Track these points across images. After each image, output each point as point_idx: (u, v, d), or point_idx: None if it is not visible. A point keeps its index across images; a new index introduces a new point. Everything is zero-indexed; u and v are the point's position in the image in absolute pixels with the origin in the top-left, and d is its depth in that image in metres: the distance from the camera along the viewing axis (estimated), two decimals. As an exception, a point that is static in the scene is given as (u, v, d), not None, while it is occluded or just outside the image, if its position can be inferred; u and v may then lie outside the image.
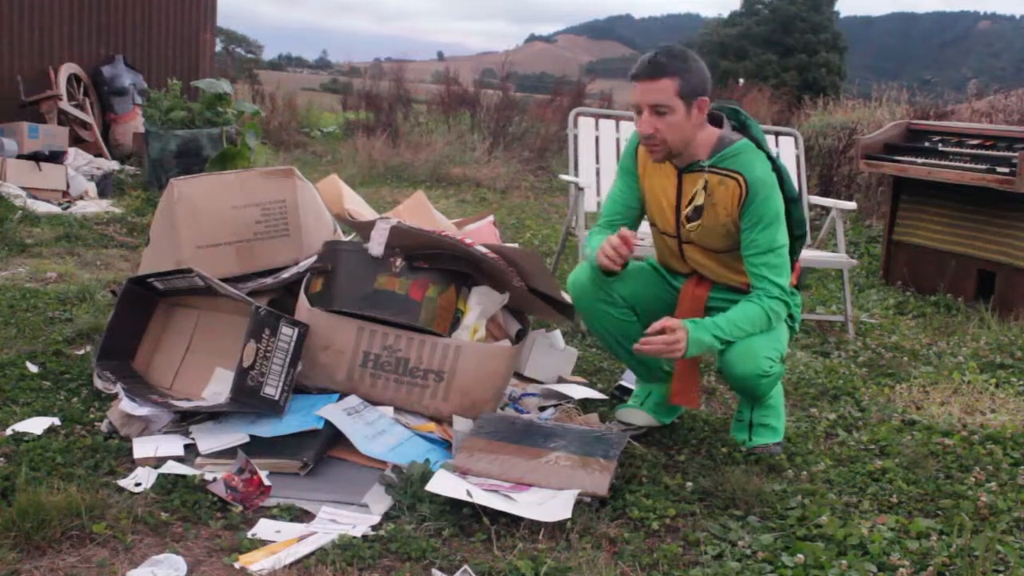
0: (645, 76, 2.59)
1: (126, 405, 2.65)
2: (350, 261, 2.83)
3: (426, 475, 2.35)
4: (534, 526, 2.22)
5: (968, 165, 4.91)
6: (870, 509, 2.47)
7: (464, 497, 2.23)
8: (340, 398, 2.72)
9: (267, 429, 2.58)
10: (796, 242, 2.80)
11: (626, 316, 2.85)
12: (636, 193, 2.85)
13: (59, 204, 6.69)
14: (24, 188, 6.63)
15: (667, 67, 2.58)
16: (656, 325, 2.57)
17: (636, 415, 2.98)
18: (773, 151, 2.84)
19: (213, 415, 2.70)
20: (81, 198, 7.03)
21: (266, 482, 2.34)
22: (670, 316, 2.66)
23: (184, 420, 2.71)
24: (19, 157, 7.03)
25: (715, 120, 2.73)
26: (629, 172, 2.86)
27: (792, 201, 2.74)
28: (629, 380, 3.33)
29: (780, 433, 2.89)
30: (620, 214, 2.88)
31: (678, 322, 2.58)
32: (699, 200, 2.69)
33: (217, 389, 2.81)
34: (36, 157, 7.04)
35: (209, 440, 2.56)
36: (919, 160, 5.22)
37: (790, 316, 2.82)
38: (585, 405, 3.13)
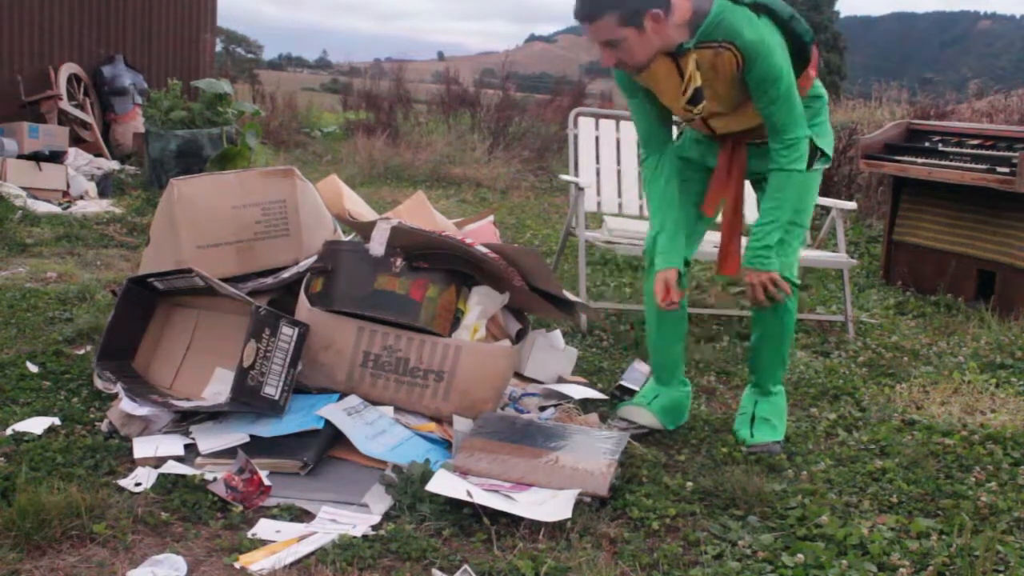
0: (582, 19, 2.56)
1: (126, 405, 2.65)
2: (350, 261, 2.83)
3: (426, 475, 2.35)
4: (534, 526, 2.22)
5: (968, 165, 4.91)
6: (870, 509, 2.47)
7: (464, 497, 2.23)
8: (340, 398, 2.72)
9: (267, 429, 2.58)
10: (806, 48, 2.72)
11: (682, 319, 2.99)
12: (650, 98, 2.82)
13: (59, 204, 6.69)
14: (24, 188, 6.63)
15: (601, 5, 2.52)
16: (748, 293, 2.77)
17: (640, 414, 2.98)
18: None
19: (213, 415, 2.70)
20: (81, 198, 7.03)
21: (266, 482, 2.34)
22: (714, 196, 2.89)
23: (184, 420, 2.71)
24: (19, 157, 7.02)
25: None
26: (629, 87, 2.83)
27: (787, 21, 2.66)
28: (629, 380, 3.33)
29: (780, 432, 2.91)
30: (653, 126, 2.86)
31: (749, 273, 2.73)
32: (696, 82, 2.62)
33: (217, 389, 2.81)
34: (36, 157, 7.04)
35: (209, 440, 2.56)
36: (919, 160, 5.22)
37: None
38: (585, 405, 3.13)
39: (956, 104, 9.65)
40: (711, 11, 2.57)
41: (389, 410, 2.73)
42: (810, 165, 2.79)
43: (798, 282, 2.86)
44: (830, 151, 2.88)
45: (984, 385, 3.62)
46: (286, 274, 3.10)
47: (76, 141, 8.46)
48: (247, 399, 2.58)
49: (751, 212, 3.78)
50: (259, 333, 2.61)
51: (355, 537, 2.13)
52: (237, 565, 2.01)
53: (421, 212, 3.35)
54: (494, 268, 2.87)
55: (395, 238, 2.81)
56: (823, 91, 2.92)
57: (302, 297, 2.84)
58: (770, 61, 2.57)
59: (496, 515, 2.23)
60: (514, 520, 2.23)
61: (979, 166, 4.84)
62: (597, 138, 4.78)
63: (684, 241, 2.85)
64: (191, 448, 2.57)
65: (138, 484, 2.35)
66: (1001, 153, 4.82)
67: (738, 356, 3.90)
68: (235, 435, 2.57)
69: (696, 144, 3.00)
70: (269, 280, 3.09)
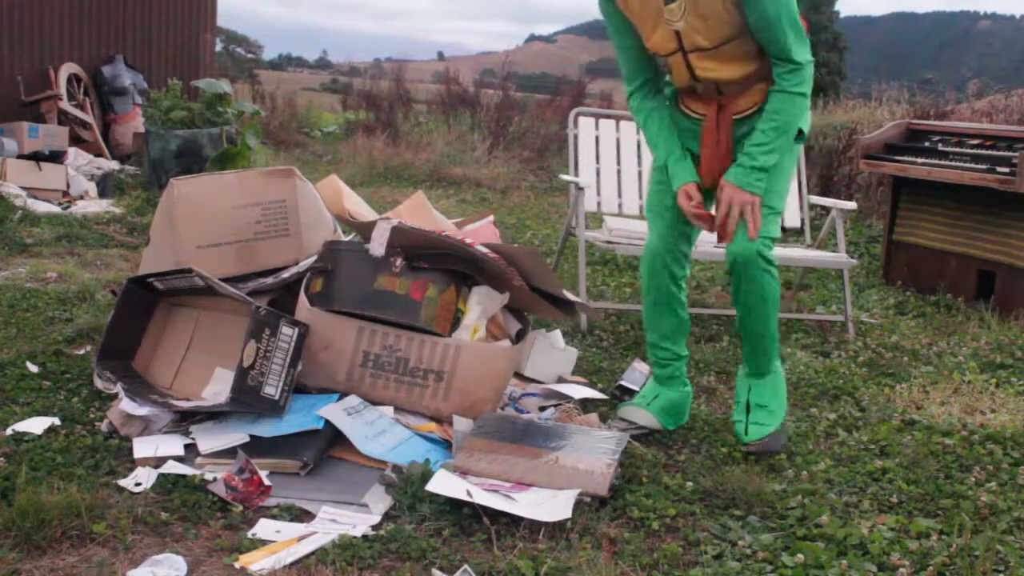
0: None
1: (126, 405, 2.65)
2: (350, 261, 2.83)
3: (426, 475, 2.35)
4: (534, 526, 2.22)
5: (968, 165, 4.91)
6: (870, 509, 2.47)
7: (464, 497, 2.23)
8: (340, 398, 2.72)
9: (267, 429, 2.58)
10: None
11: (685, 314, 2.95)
12: (633, 30, 2.73)
13: (59, 204, 6.69)
14: (24, 188, 6.63)
15: None
16: (714, 218, 2.68)
17: (640, 414, 2.95)
18: None
19: (213, 415, 2.70)
20: (81, 198, 7.03)
21: (266, 482, 2.34)
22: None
23: (184, 420, 2.71)
24: (19, 157, 7.02)
25: None
26: (612, 15, 2.73)
27: None
28: (629, 380, 3.33)
29: (779, 417, 2.83)
30: (640, 63, 2.79)
31: (732, 190, 2.63)
32: None
33: (217, 389, 2.81)
34: (36, 157, 7.04)
35: (209, 440, 2.56)
36: (919, 160, 5.22)
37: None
38: (585, 405, 3.13)
39: (956, 104, 9.65)
40: None
41: (389, 410, 2.73)
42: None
43: (777, 235, 2.77)
44: (806, 126, 2.74)
45: (984, 385, 3.62)
46: (286, 274, 3.10)
47: (76, 141, 8.46)
48: (247, 399, 2.58)
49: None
50: (259, 333, 2.61)
51: (355, 537, 2.13)
52: (237, 565, 2.01)
53: (421, 212, 3.35)
54: (494, 268, 2.87)
55: (395, 238, 2.81)
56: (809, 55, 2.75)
57: (302, 297, 2.84)
58: None
59: (496, 515, 2.23)
60: (514, 520, 2.23)
61: (979, 166, 4.84)
62: (597, 138, 4.78)
63: (692, 165, 2.77)
64: (191, 448, 2.57)
65: (138, 484, 2.35)
66: (1001, 153, 4.82)
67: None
68: (235, 435, 2.57)
69: (680, 132, 2.86)
70: (269, 280, 3.09)
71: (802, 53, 2.60)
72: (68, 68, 8.99)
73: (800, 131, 2.72)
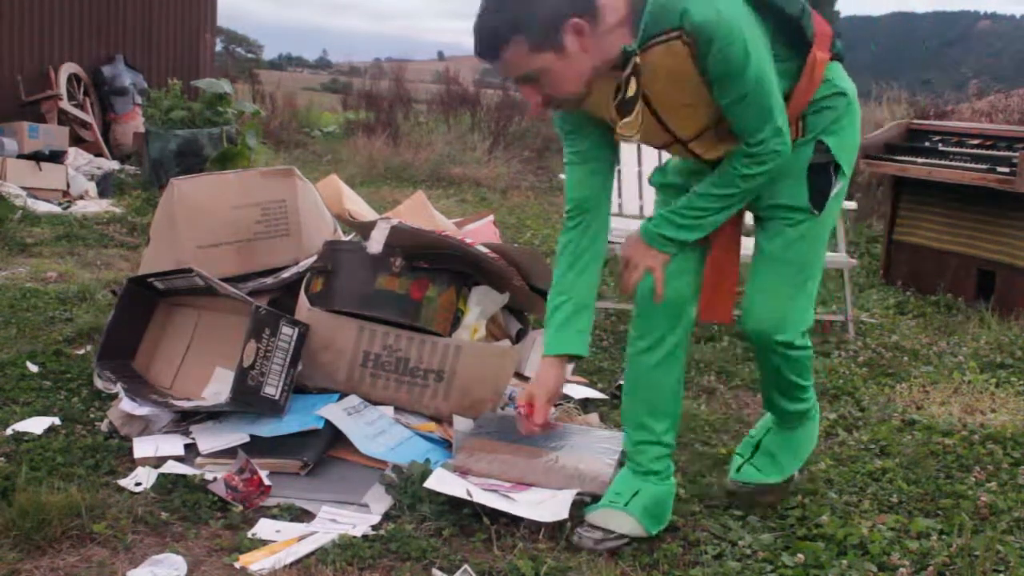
0: (486, 55, 1.97)
1: (126, 405, 2.65)
2: (350, 261, 2.83)
3: (426, 475, 2.35)
4: (534, 526, 2.22)
5: (968, 165, 4.91)
6: (870, 509, 2.47)
7: (464, 496, 2.23)
8: (340, 398, 2.72)
9: (267, 429, 2.58)
10: (798, 24, 2.08)
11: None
12: (596, 146, 2.21)
13: (59, 204, 6.69)
14: (24, 188, 6.63)
15: (500, 34, 1.93)
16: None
17: (618, 519, 2.22)
18: None
19: (213, 415, 2.70)
20: (81, 198, 7.03)
21: (266, 482, 2.34)
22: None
23: (184, 420, 2.71)
24: (19, 157, 7.02)
25: None
26: (573, 127, 2.20)
27: (795, 17, 2.05)
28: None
29: (784, 473, 2.43)
30: (591, 187, 2.24)
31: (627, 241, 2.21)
32: (630, 91, 1.96)
33: (217, 389, 2.81)
34: (36, 157, 7.04)
35: (209, 440, 2.56)
36: (919, 160, 5.22)
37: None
38: (585, 405, 3.13)
39: (956, 104, 9.64)
40: None
41: (389, 410, 2.73)
42: (831, 190, 2.20)
43: (811, 323, 2.30)
44: (848, 167, 2.21)
45: (984, 385, 3.62)
46: (286, 274, 3.10)
47: (76, 141, 8.46)
48: (247, 399, 2.58)
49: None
50: (259, 333, 2.61)
51: (355, 537, 2.13)
52: (237, 565, 2.01)
53: (421, 212, 3.36)
54: (494, 268, 2.87)
55: (395, 238, 2.81)
56: (846, 84, 2.20)
57: (302, 297, 2.84)
58: (731, 42, 1.91)
59: (496, 515, 2.23)
60: (514, 520, 2.23)
61: (979, 166, 4.84)
62: (597, 138, 4.77)
63: (578, 337, 2.24)
64: (191, 448, 2.57)
65: (138, 484, 2.35)
66: (1001, 153, 4.82)
67: (738, 356, 3.90)
68: (235, 435, 2.57)
69: (678, 171, 2.35)
70: (269, 280, 3.09)
71: (769, 124, 2.04)
72: (68, 68, 8.99)
73: (838, 166, 2.20)
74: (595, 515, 2.24)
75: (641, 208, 4.68)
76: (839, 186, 2.22)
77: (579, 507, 2.29)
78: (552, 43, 1.92)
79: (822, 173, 2.18)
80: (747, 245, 2.43)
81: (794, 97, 2.12)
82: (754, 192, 2.15)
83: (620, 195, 4.70)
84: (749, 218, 2.36)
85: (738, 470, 2.44)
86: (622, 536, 2.21)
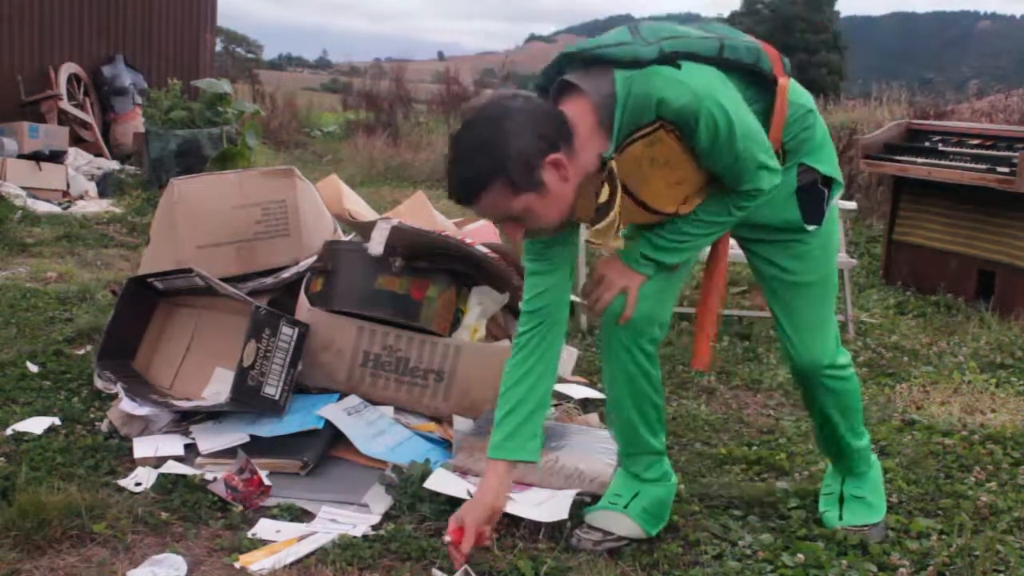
0: (464, 201, 1.90)
1: (126, 405, 2.65)
2: (350, 261, 2.83)
3: (426, 475, 2.35)
4: (534, 526, 2.22)
5: (968, 165, 4.91)
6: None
7: (464, 496, 2.23)
8: (340, 398, 2.72)
9: (267, 429, 2.58)
10: (755, 69, 2.05)
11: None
12: (558, 245, 2.10)
13: (59, 204, 6.70)
14: (24, 188, 6.64)
15: (477, 181, 1.85)
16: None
17: (616, 520, 2.22)
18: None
19: (213, 415, 2.70)
20: (81, 198, 7.04)
21: (266, 482, 2.34)
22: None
23: (184, 420, 2.71)
24: (19, 157, 7.03)
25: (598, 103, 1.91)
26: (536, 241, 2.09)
27: (714, 58, 1.99)
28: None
29: (880, 512, 2.34)
30: (551, 298, 2.12)
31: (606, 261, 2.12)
32: (602, 196, 1.93)
33: (217, 389, 2.81)
34: (36, 157, 7.05)
35: (209, 440, 2.56)
36: (919, 160, 5.22)
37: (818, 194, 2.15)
38: (585, 405, 3.13)
39: (956, 104, 9.65)
40: (616, 94, 1.88)
41: (389, 410, 2.73)
42: (826, 202, 2.19)
43: (848, 361, 2.29)
44: (839, 175, 2.21)
45: (984, 385, 3.62)
46: (286, 274, 3.10)
47: (76, 141, 8.47)
48: (247, 399, 2.58)
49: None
50: (259, 333, 2.61)
51: (355, 537, 2.13)
52: (237, 565, 2.01)
53: (421, 212, 3.36)
54: (494, 268, 2.87)
55: (395, 238, 2.81)
56: (809, 101, 2.17)
57: (302, 297, 2.84)
58: (714, 116, 1.89)
59: (496, 515, 2.23)
60: (514, 520, 2.23)
61: (979, 166, 4.83)
62: (597, 138, 4.77)
63: (540, 424, 2.11)
64: (191, 448, 2.57)
65: (138, 484, 2.35)
66: (1001, 153, 4.81)
67: (738, 356, 3.90)
68: (235, 435, 2.57)
69: None
70: (269, 280, 3.09)
71: (755, 177, 2.00)
72: (68, 68, 8.99)
73: (829, 179, 2.19)
74: (594, 516, 2.24)
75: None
76: (835, 195, 2.22)
77: (579, 507, 2.29)
78: (532, 184, 1.86)
79: (813, 191, 2.17)
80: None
81: (771, 130, 2.08)
82: (740, 220, 2.10)
83: None
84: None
85: (840, 519, 2.32)
86: (621, 538, 2.21)
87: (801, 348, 2.22)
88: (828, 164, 2.19)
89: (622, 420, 2.24)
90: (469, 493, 2.24)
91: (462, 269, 2.85)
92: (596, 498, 2.33)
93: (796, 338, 2.22)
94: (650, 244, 2.09)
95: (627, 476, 2.29)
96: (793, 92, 2.12)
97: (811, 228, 2.17)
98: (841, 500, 2.35)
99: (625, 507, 2.22)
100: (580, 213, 1.97)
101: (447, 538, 2.00)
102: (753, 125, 1.98)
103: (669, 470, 2.31)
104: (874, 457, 2.43)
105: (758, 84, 2.06)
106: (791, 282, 2.21)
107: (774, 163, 2.02)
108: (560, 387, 3.20)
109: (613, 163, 1.91)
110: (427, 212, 3.39)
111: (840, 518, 2.31)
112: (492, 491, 2.05)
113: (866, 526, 2.29)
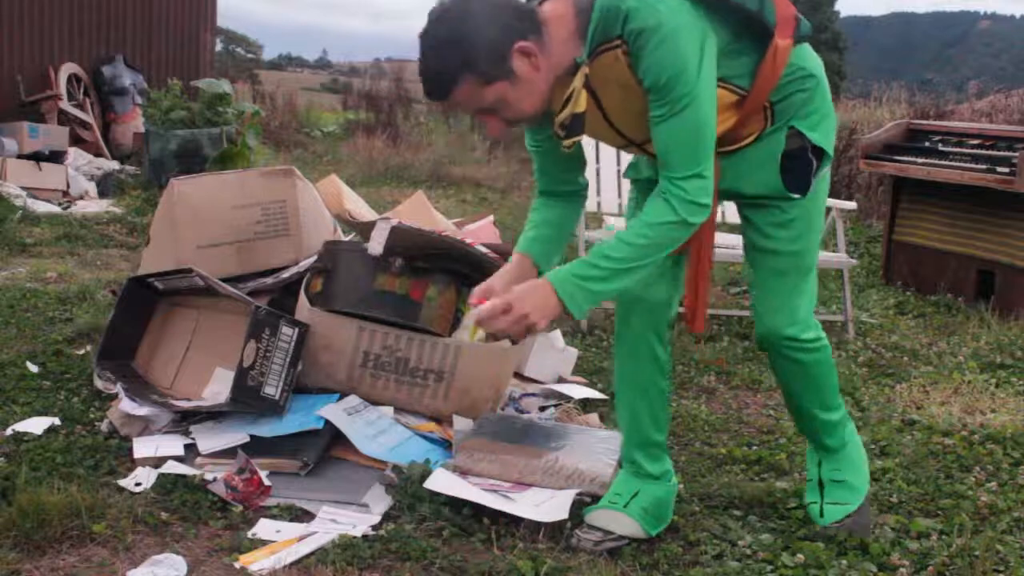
0: (437, 97, 1.94)
1: (126, 405, 2.65)
2: (350, 261, 2.83)
3: (426, 475, 2.35)
4: (534, 526, 2.22)
5: (968, 165, 4.91)
6: (870, 509, 2.47)
7: (464, 496, 2.23)
8: (340, 398, 2.72)
9: (267, 429, 2.58)
10: (757, 17, 1.97)
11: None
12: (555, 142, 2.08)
13: (59, 204, 6.70)
14: (24, 188, 6.64)
15: (447, 76, 1.87)
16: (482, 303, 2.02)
17: (617, 519, 2.21)
18: None
19: (213, 415, 2.70)
20: (81, 198, 7.04)
21: (266, 482, 2.34)
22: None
23: (184, 420, 2.71)
24: (19, 157, 7.04)
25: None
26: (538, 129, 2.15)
27: (756, 12, 1.96)
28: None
29: (860, 493, 2.31)
30: (554, 166, 2.22)
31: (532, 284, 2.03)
32: (579, 106, 1.92)
33: (217, 389, 2.81)
34: (36, 157, 7.06)
35: (209, 440, 2.56)
36: (919, 160, 5.22)
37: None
38: (585, 405, 3.13)
39: (956, 104, 9.65)
40: (595, 3, 1.88)
41: (389, 410, 2.73)
42: (813, 173, 2.11)
43: (815, 302, 2.24)
44: (830, 147, 2.13)
45: (984, 385, 3.62)
46: (286, 274, 3.10)
47: (76, 141, 8.47)
48: (247, 399, 2.58)
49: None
50: (259, 333, 2.61)
51: (355, 537, 2.13)
52: (237, 565, 2.01)
53: (421, 212, 3.36)
54: (494, 268, 2.87)
55: (395, 238, 2.81)
56: (815, 67, 2.08)
57: (302, 297, 2.84)
58: (664, 49, 1.82)
59: (496, 515, 2.23)
60: (514, 520, 2.23)
61: (979, 166, 4.84)
62: (597, 138, 4.77)
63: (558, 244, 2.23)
64: (191, 448, 2.56)
65: (138, 484, 2.35)
66: (1001, 153, 4.82)
67: (738, 356, 3.90)
68: (235, 435, 2.57)
69: (651, 165, 2.20)
70: (269, 280, 3.09)
71: (693, 170, 1.92)
72: (68, 68, 8.99)
73: (821, 150, 2.11)
74: (594, 516, 2.23)
75: (620, 206, 4.64)
76: (823, 168, 2.14)
77: (579, 507, 2.30)
78: (503, 72, 1.87)
79: (800, 158, 2.10)
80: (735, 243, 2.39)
81: (756, 87, 2.02)
82: (667, 248, 1.97)
83: (599, 193, 4.65)
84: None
85: (821, 515, 2.30)
86: (621, 537, 2.20)
87: (764, 314, 2.20)
88: (821, 135, 2.11)
89: (626, 404, 2.27)
90: (469, 493, 2.24)
91: (462, 269, 2.85)
92: (596, 498, 2.33)
93: (760, 304, 2.21)
94: (586, 283, 2.00)
95: (628, 476, 2.30)
96: (799, 55, 2.06)
97: (795, 196, 2.12)
98: (821, 486, 2.32)
99: (625, 506, 2.23)
100: (557, 107, 1.96)
101: (472, 300, 2.07)
102: (703, 117, 1.90)
103: (671, 469, 2.32)
104: (851, 431, 2.36)
105: (752, 35, 1.99)
106: (766, 248, 2.18)
107: (709, 174, 1.93)
108: (560, 387, 3.20)
109: (587, 69, 1.91)
110: (427, 212, 3.39)
111: (821, 515, 2.29)
112: (500, 275, 2.17)
113: (848, 516, 2.26)
